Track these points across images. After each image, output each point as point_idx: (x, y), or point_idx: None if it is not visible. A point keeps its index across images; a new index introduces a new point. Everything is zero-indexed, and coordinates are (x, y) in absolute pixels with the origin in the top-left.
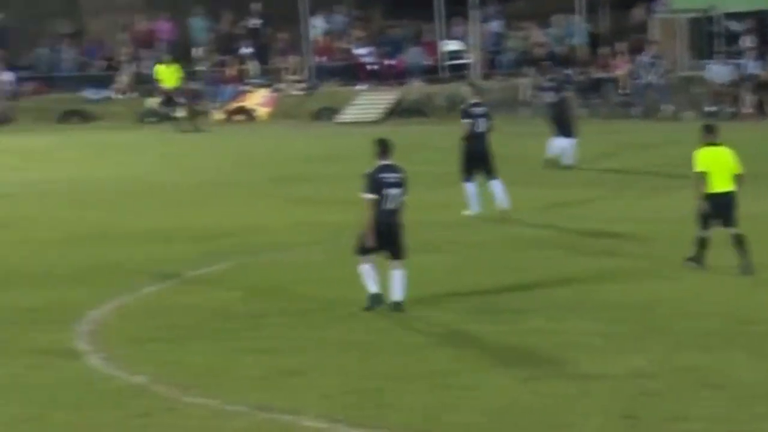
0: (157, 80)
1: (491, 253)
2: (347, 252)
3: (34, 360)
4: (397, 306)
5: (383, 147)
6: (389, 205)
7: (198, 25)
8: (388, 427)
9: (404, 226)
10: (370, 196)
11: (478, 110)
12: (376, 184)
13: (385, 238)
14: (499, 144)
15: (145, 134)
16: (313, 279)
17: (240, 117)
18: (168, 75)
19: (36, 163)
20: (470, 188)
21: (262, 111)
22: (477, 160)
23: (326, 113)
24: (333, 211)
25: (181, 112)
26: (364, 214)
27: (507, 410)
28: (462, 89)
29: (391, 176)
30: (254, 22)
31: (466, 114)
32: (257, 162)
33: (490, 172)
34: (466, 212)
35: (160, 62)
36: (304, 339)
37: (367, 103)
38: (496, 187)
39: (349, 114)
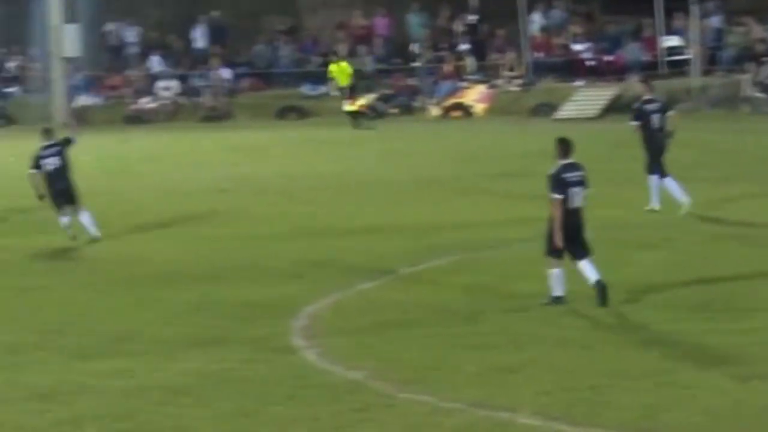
0: (331, 78)
1: (708, 249)
2: None
3: (250, 354)
4: (600, 284)
5: (565, 146)
6: (574, 204)
7: (415, 21)
8: (605, 425)
9: (586, 224)
10: (558, 195)
11: (652, 107)
12: (560, 183)
13: (571, 236)
14: (718, 140)
15: (362, 130)
16: (530, 275)
17: (457, 113)
18: (341, 73)
19: (253, 159)
20: (655, 181)
21: (479, 107)
22: (657, 155)
23: (544, 109)
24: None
25: (347, 108)
26: (552, 214)
27: (727, 410)
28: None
29: (574, 175)
30: (471, 18)
31: (639, 113)
32: (475, 158)
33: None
34: (649, 207)
35: (332, 61)
36: (520, 335)
37: (585, 100)
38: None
39: (566, 110)
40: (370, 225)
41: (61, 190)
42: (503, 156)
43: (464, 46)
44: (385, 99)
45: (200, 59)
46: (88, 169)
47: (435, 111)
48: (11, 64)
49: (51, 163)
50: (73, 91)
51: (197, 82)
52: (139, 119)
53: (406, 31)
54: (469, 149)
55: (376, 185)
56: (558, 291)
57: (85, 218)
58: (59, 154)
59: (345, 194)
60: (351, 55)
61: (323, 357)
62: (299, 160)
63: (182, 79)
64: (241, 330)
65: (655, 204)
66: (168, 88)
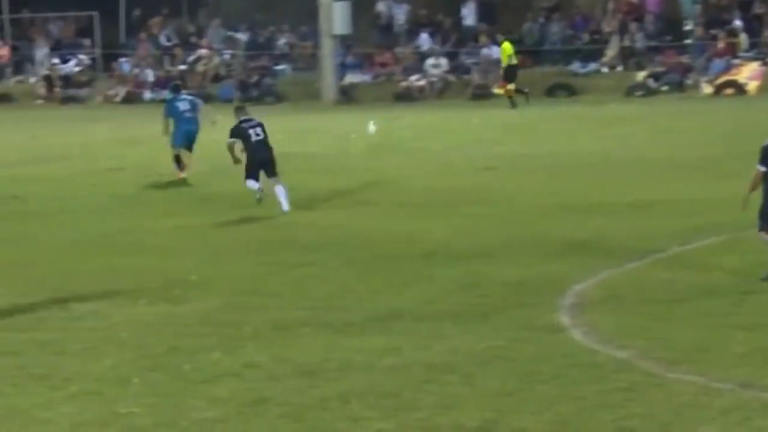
0: (507, 56)
1: None
2: None
3: (516, 333)
4: None
5: None
6: None
7: None
8: None
9: None
10: (763, 168)
11: None
12: None
13: None
14: None
15: (633, 108)
16: None
17: (729, 91)
18: (510, 52)
19: (519, 137)
20: None
21: (752, 85)
22: None
23: None
24: None
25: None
26: (753, 182)
27: None
28: None
29: None
30: None
31: None
32: (746, 136)
33: None
34: None
35: (505, 40)
36: None
37: None
38: None
39: None
40: (638, 203)
41: (263, 160)
42: None
43: (737, 23)
44: (655, 76)
45: (469, 36)
46: (356, 147)
47: (707, 89)
48: (281, 42)
49: (256, 134)
50: (343, 68)
51: (466, 60)
52: (408, 97)
53: (678, 8)
54: (741, 128)
55: (645, 163)
56: None
57: (279, 190)
58: (260, 126)
59: (614, 172)
60: (621, 32)
61: (590, 336)
62: (568, 137)
63: (451, 56)
64: (508, 308)
65: None
66: (437, 65)
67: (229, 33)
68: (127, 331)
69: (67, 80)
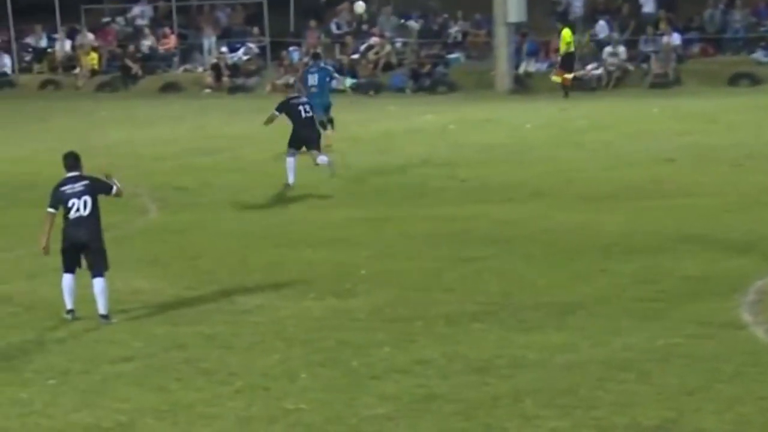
0: (566, 44)
1: None
2: None
3: (695, 330)
4: None
5: None
6: None
7: None
8: None
9: None
10: None
11: None
12: None
13: None
14: None
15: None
16: None
17: None
18: (569, 39)
19: (700, 127)
20: None
21: None
22: None
23: None
24: None
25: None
26: None
27: None
28: None
29: None
30: None
31: None
32: None
33: None
34: None
35: (566, 26)
36: None
37: None
38: None
39: None
40: None
41: (307, 137)
42: None
43: None
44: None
45: (649, 24)
46: (532, 138)
47: None
48: (454, 30)
49: (305, 110)
50: (518, 57)
51: (645, 48)
52: (583, 86)
53: None
54: None
55: None
56: None
57: (323, 159)
58: (309, 104)
59: None
60: None
61: None
62: (750, 128)
63: (630, 44)
64: (686, 304)
65: None
66: (615, 53)
67: (401, 21)
68: (294, 326)
69: (236, 69)
